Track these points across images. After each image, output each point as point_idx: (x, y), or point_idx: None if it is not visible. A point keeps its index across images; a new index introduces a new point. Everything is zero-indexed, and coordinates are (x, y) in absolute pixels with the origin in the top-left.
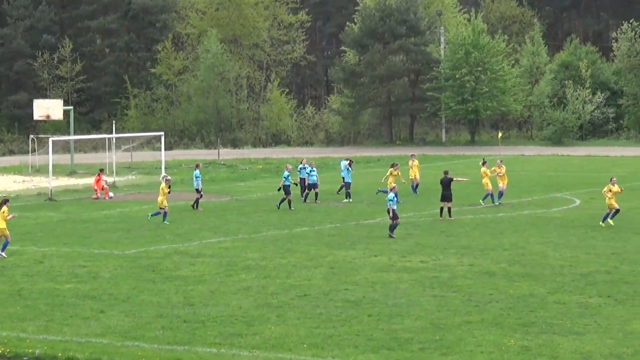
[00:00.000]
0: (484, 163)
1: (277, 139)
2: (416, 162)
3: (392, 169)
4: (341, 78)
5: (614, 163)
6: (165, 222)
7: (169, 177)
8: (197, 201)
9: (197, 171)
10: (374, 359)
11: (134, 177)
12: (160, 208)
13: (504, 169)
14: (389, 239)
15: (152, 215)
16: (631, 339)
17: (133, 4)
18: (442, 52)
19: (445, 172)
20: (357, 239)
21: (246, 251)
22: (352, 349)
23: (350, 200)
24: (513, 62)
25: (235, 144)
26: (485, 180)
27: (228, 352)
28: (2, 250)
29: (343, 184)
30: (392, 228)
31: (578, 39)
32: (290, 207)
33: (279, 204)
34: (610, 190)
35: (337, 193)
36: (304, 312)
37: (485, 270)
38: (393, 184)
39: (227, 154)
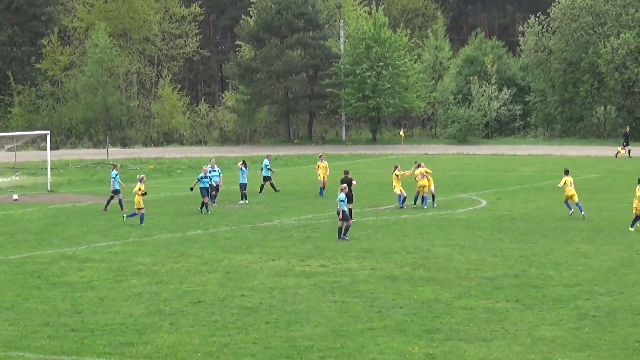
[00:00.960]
0: (418, 165)
1: (169, 138)
2: (325, 162)
3: (395, 171)
4: (236, 74)
5: (522, 162)
6: (125, 217)
7: (142, 176)
8: (120, 202)
9: (114, 172)
10: None
11: (18, 178)
12: (137, 209)
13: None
14: (285, 242)
15: (127, 217)
16: (540, 345)
17: None
18: (341, 47)
19: (346, 172)
20: (254, 242)
21: (137, 255)
22: (249, 357)
23: (247, 201)
24: (416, 57)
25: (125, 143)
26: (422, 183)
27: None
28: None
29: (270, 182)
30: (345, 231)
31: (483, 33)
32: (203, 209)
33: (201, 208)
34: None
35: (259, 192)
36: (198, 319)
37: (388, 275)
38: (342, 185)
39: (116, 153)
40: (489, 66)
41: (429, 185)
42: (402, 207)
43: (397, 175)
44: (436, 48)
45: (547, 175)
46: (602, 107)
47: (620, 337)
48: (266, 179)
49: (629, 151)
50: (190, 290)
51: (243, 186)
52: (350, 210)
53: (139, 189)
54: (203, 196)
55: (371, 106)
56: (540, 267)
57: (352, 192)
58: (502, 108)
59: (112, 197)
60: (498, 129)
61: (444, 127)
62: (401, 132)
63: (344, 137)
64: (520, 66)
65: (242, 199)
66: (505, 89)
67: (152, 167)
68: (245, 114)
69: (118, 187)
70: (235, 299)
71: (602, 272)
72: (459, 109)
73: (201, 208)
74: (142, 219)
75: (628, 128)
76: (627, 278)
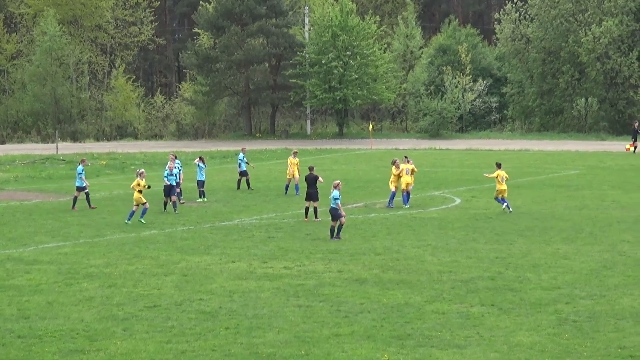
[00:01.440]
0: (408, 160)
1: (122, 132)
2: (297, 159)
3: (393, 166)
4: (194, 63)
5: (498, 157)
6: (140, 219)
7: (142, 170)
8: (75, 200)
9: (80, 167)
10: None
11: None
12: (142, 204)
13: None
14: (246, 242)
15: (140, 218)
16: (517, 351)
17: None
18: (306, 35)
19: (311, 168)
20: (213, 242)
21: (88, 257)
22: None
23: (205, 199)
24: (385, 46)
25: (75, 137)
26: (407, 180)
27: None
28: None
29: (240, 178)
30: (337, 230)
31: (457, 20)
32: (169, 208)
33: (174, 207)
34: None
35: (248, 188)
36: (154, 325)
37: (356, 277)
38: (336, 181)
39: (66, 148)
40: (463, 56)
41: (411, 184)
42: (390, 206)
43: (394, 174)
44: (407, 36)
45: (525, 172)
46: (582, 99)
47: (602, 343)
48: (243, 173)
49: (635, 148)
50: (145, 294)
51: (201, 183)
52: (315, 209)
53: (138, 184)
54: (165, 195)
55: (338, 98)
56: (517, 269)
57: (317, 190)
58: (477, 100)
59: (87, 195)
60: (472, 122)
61: (415, 121)
62: (370, 126)
63: (308, 131)
64: (496, 56)
65: (200, 197)
66: (480, 80)
67: (104, 162)
68: (204, 106)
69: (84, 184)
70: (193, 303)
71: (583, 274)
72: (431, 101)
73: (174, 207)
74: (132, 215)
75: (637, 123)
76: (610, 280)
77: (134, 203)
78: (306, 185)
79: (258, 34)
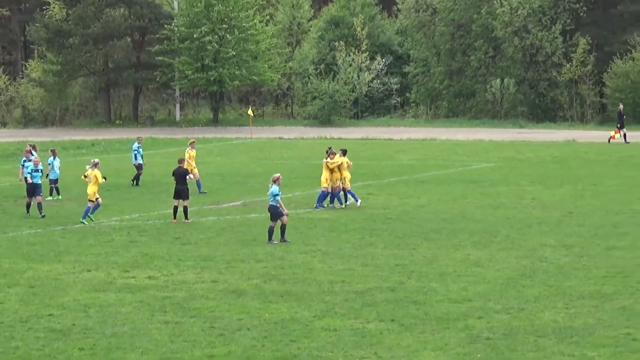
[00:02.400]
0: (345, 152)
1: None
2: (194, 151)
3: (327, 158)
4: (44, 38)
5: (399, 148)
6: (90, 216)
7: (97, 160)
8: None
9: None
10: None
11: None
12: (93, 200)
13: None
14: (104, 248)
15: (91, 214)
16: None
17: None
18: (175, 5)
19: (180, 162)
20: (65, 248)
21: None
22: None
23: (59, 197)
24: (268, 17)
25: None
26: (347, 174)
27: None
28: None
29: (137, 172)
30: (281, 232)
31: None
32: (29, 210)
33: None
34: None
35: (133, 183)
36: None
37: (233, 289)
38: (276, 175)
39: None
40: (359, 29)
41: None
42: (319, 207)
43: (328, 166)
44: (293, 6)
45: (431, 165)
46: (498, 80)
47: None
48: (141, 167)
49: (625, 135)
50: None
51: (53, 180)
52: (185, 208)
53: (95, 177)
54: (29, 195)
55: (212, 79)
56: (421, 279)
57: (187, 187)
58: (375, 81)
59: None
60: (370, 107)
61: (302, 105)
62: (249, 111)
63: (177, 117)
64: (397, 30)
65: (51, 195)
66: (378, 58)
67: None
68: (55, 88)
69: None
70: (41, 319)
71: (498, 284)
72: (321, 83)
73: (39, 209)
74: (87, 212)
75: (621, 106)
76: (529, 291)
77: (88, 198)
78: (174, 182)
79: (118, 4)
